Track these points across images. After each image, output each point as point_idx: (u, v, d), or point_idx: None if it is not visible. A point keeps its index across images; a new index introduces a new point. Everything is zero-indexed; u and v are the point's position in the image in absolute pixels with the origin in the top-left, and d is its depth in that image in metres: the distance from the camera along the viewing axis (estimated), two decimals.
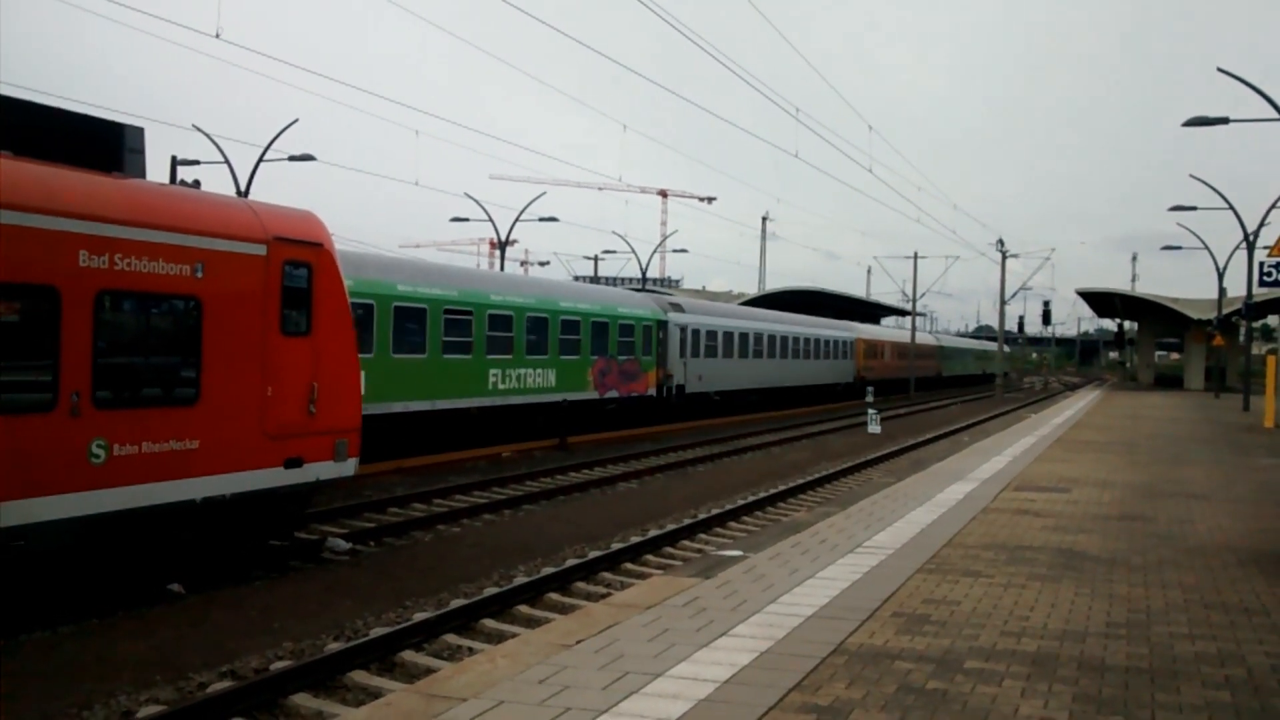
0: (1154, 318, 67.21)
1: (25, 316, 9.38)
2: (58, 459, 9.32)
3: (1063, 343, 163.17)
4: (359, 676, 8.47)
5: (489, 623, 10.21)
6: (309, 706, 7.85)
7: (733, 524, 15.97)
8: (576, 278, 76.30)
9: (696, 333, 34.70)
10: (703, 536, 14.91)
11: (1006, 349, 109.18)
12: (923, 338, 74.00)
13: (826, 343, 49.65)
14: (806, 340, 46.52)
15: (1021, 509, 12.19)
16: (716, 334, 36.36)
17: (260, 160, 34.06)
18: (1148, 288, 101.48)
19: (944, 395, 67.84)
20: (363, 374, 13.14)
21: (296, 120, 33.33)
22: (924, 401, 57.14)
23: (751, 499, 17.75)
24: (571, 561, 12.72)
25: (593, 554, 13.17)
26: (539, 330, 25.93)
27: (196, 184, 12.26)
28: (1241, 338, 49.79)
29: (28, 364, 9.38)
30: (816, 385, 48.11)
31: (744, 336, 39.05)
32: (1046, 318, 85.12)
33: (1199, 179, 39.37)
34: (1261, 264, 27.79)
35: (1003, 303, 64.15)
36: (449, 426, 22.60)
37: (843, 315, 65.71)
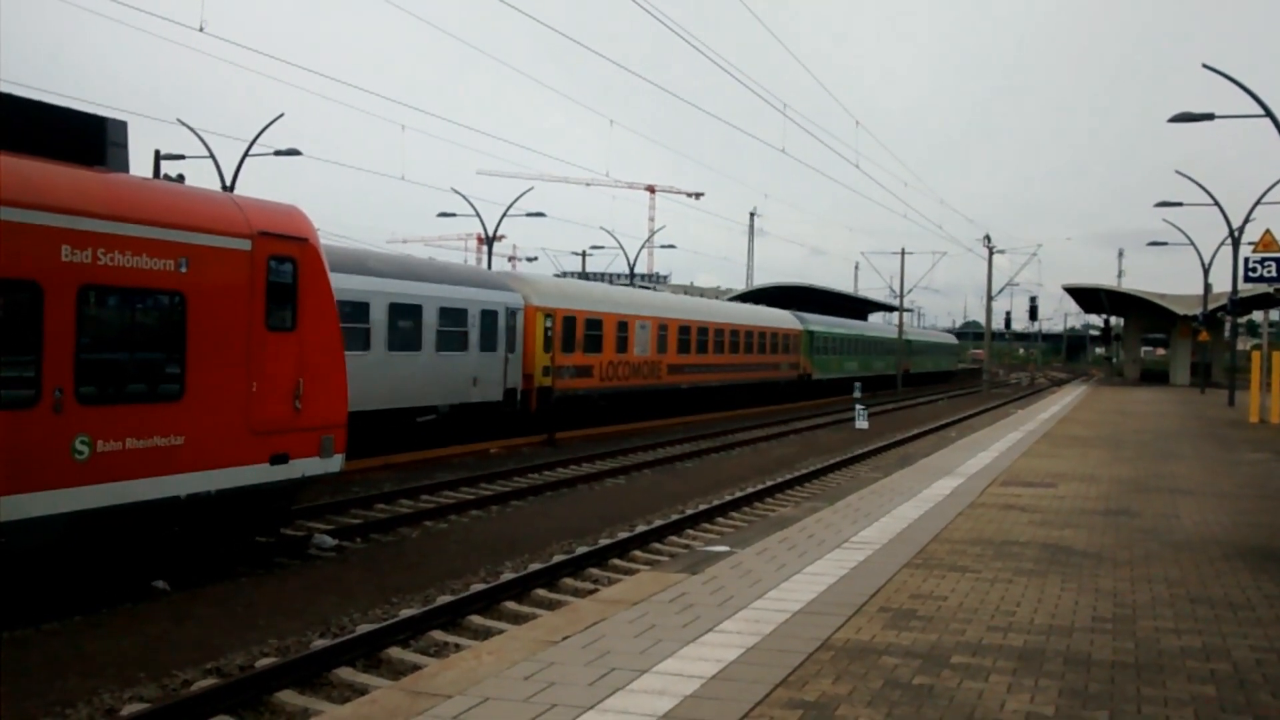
0: (1140, 313, 67.47)
1: (7, 312, 9.29)
2: (40, 455, 9.25)
3: (1049, 338, 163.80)
4: (344, 673, 8.43)
5: (476, 619, 10.18)
6: (294, 704, 7.81)
7: (720, 520, 15.97)
8: (564, 273, 76.10)
9: None
10: (690, 532, 14.90)
11: (954, 339, 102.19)
12: (773, 317, 45.40)
13: (409, 310, 21.26)
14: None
15: (1008, 504, 12.21)
16: None
17: (245, 155, 33.91)
18: (1134, 283, 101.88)
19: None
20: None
21: (282, 115, 33.21)
22: (912, 398, 57.09)
23: (739, 495, 17.75)
24: (559, 558, 12.69)
25: (580, 550, 13.15)
26: None
27: (180, 179, 12.18)
28: (1227, 333, 50.08)
29: (10, 360, 9.29)
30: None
31: None
32: (1033, 313, 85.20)
33: (1185, 175, 39.53)
34: (1246, 260, 27.99)
35: (989, 298, 64.38)
36: None
37: (830, 311, 63.96)
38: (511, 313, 24.68)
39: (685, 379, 35.06)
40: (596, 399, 29.16)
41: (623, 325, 30.67)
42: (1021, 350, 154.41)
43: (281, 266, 11.84)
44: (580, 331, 28.13)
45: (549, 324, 26.53)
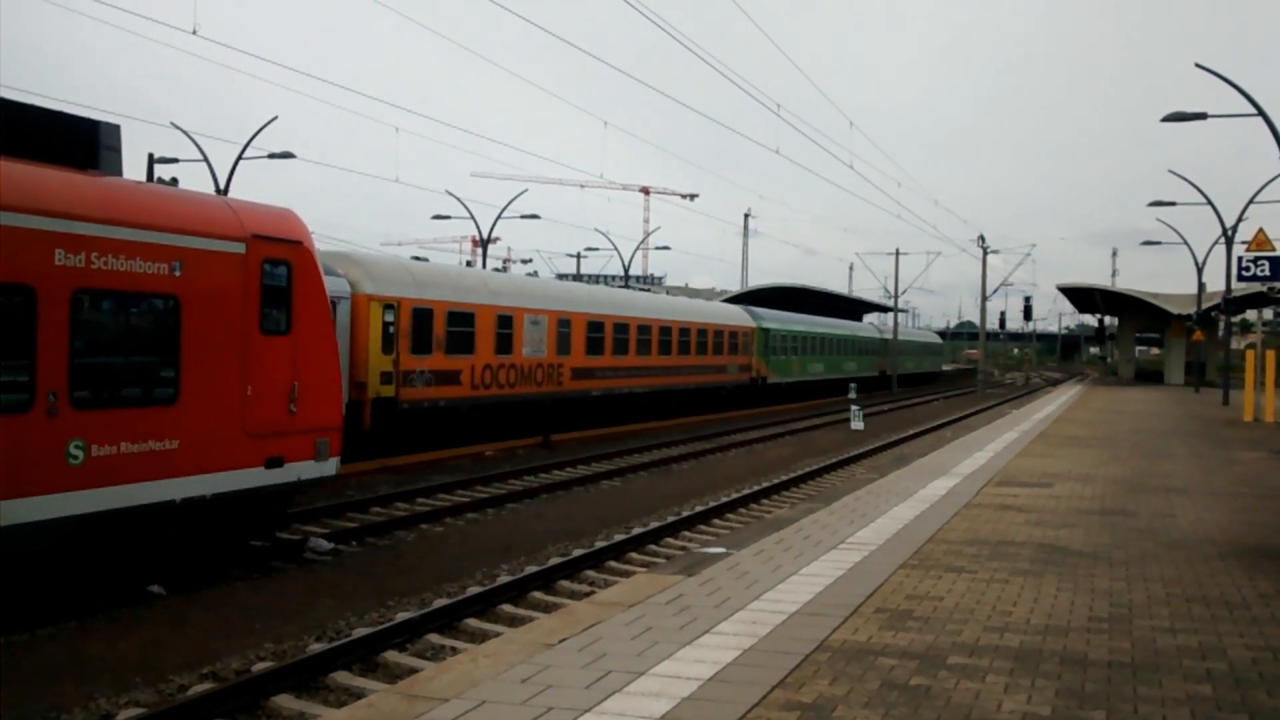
0: (1134, 313, 67.60)
1: (0, 316, 9.27)
2: (35, 460, 9.22)
3: (1044, 338, 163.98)
4: (341, 677, 8.42)
5: (472, 622, 10.17)
6: (291, 708, 7.79)
7: (716, 521, 15.97)
8: (560, 275, 75.97)
9: None
10: (686, 534, 14.90)
11: (939, 338, 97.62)
12: (717, 312, 39.88)
13: None
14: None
15: (1004, 504, 12.22)
16: None
17: (239, 158, 33.87)
18: (1128, 283, 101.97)
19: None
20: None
21: (276, 117, 33.21)
22: (908, 399, 57.05)
23: (735, 496, 17.74)
24: (555, 560, 12.68)
25: (576, 552, 13.14)
26: None
27: (174, 182, 12.15)
28: (1221, 332, 50.11)
29: (3, 364, 9.27)
30: None
31: None
32: (1028, 313, 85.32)
33: (1178, 174, 39.61)
34: (1240, 259, 27.99)
35: (984, 298, 64.39)
36: None
37: (824, 312, 63.49)
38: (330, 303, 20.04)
39: (596, 385, 29.08)
40: (467, 411, 23.74)
41: (505, 320, 24.93)
42: (1016, 350, 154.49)
43: (275, 270, 11.82)
44: (440, 327, 22.57)
45: (390, 318, 21.10)
